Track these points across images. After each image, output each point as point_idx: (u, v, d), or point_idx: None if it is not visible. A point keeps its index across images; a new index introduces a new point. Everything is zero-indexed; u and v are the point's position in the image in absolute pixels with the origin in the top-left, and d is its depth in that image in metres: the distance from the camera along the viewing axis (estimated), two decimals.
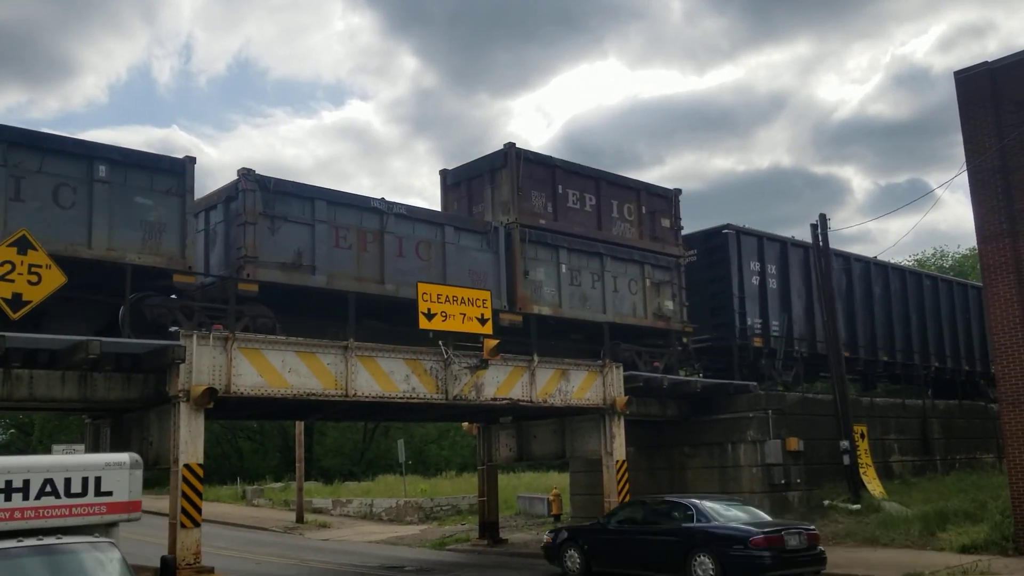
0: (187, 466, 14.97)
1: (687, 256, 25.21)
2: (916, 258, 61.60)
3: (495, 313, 19.36)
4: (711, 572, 15.62)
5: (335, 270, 18.04)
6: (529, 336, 20.39)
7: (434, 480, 44.92)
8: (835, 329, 25.67)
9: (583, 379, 21.31)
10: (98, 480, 8.72)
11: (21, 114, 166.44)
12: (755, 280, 26.43)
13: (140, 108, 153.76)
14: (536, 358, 20.35)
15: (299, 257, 17.50)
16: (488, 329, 18.93)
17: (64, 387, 15.23)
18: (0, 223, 14.35)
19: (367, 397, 17.70)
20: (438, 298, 18.25)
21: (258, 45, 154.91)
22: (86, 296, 15.51)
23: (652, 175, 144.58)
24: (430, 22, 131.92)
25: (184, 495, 14.86)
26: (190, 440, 15.10)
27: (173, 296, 16.56)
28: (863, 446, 25.59)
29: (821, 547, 16.27)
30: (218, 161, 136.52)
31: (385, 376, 17.90)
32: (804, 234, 27.41)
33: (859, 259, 30.97)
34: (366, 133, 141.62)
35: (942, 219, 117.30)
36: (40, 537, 8.16)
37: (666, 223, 24.67)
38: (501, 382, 19.77)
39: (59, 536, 8.27)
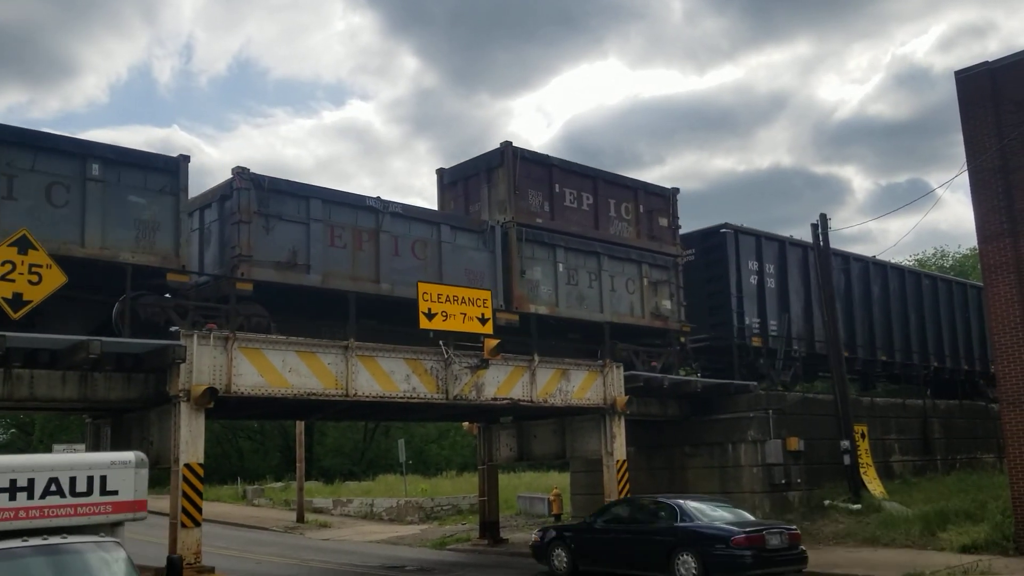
0: (187, 466, 14.98)
1: (685, 255, 25.14)
2: (917, 258, 61.60)
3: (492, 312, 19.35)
4: (694, 571, 15.88)
5: (330, 269, 17.97)
6: (525, 335, 20.35)
7: (435, 480, 44.94)
8: (836, 329, 25.66)
9: (583, 379, 21.30)
10: (103, 479, 8.63)
11: (22, 114, 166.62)
12: (753, 279, 26.39)
13: (141, 108, 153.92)
14: (536, 358, 20.34)
15: (294, 256, 17.43)
16: (489, 329, 18.93)
17: (65, 387, 15.23)
18: None
19: (367, 397, 17.69)
20: (439, 298, 18.24)
21: (259, 45, 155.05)
22: (79, 295, 15.41)
23: (652, 175, 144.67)
24: (431, 22, 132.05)
25: (184, 495, 14.86)
26: (191, 440, 15.11)
27: (167, 295, 16.48)
28: (864, 446, 25.59)
29: (803, 547, 16.52)
30: (219, 161, 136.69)
31: (385, 376, 17.90)
32: (805, 234, 27.41)
33: (858, 259, 30.94)
34: (367, 133, 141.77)
35: (943, 219, 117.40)
36: (45, 537, 8.09)
37: (664, 222, 24.59)
38: (502, 382, 19.77)
39: (64, 536, 8.19)
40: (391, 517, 35.18)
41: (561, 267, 21.79)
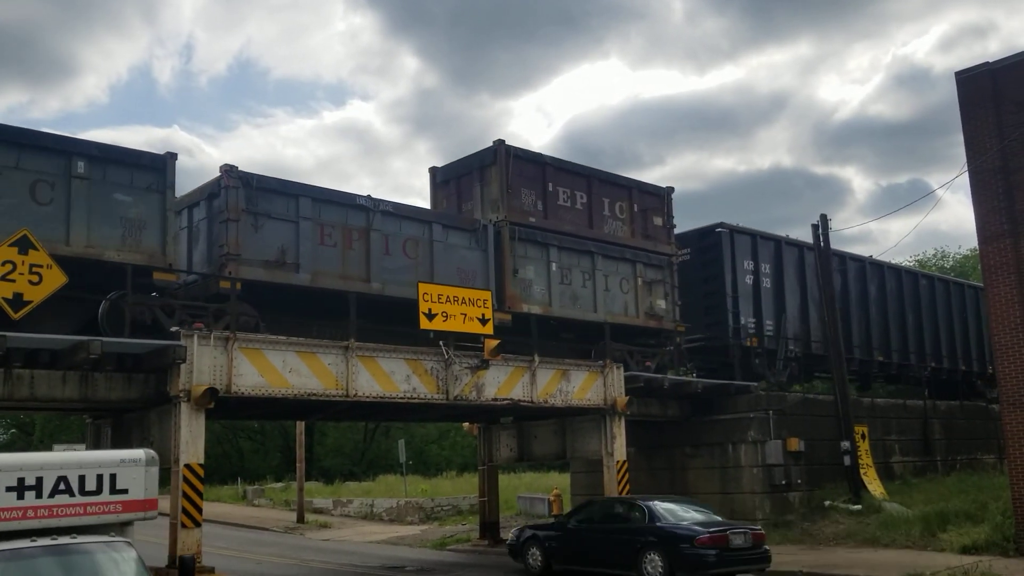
0: (188, 466, 14.98)
1: (680, 255, 25.01)
2: (917, 258, 61.56)
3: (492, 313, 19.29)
4: (660, 569, 16.36)
5: (320, 268, 17.81)
6: (518, 335, 20.23)
7: (435, 480, 44.93)
8: (836, 330, 25.65)
9: (584, 379, 21.30)
10: (113, 477, 8.48)
11: (22, 114, 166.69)
12: (749, 279, 26.32)
13: (141, 108, 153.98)
14: (537, 358, 20.33)
15: (283, 255, 17.26)
16: (489, 329, 18.91)
17: (65, 387, 15.20)
18: None
19: (368, 397, 17.68)
20: (439, 298, 18.22)
21: (259, 45, 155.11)
22: (64, 294, 15.13)
23: (653, 175, 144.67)
24: (431, 22, 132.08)
25: (185, 495, 14.86)
26: (191, 440, 15.10)
27: (154, 294, 16.30)
28: (864, 447, 25.59)
29: (767, 546, 16.94)
30: (219, 161, 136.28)
31: (386, 376, 17.89)
32: (805, 235, 27.39)
33: (855, 258, 30.91)
34: (367, 133, 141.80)
35: (943, 219, 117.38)
36: (54, 537, 7.96)
37: (658, 221, 24.43)
38: (502, 382, 19.77)
39: (74, 536, 8.06)
40: (391, 517, 35.19)
41: (554, 266, 21.61)
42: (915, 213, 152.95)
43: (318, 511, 37.98)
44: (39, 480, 8.05)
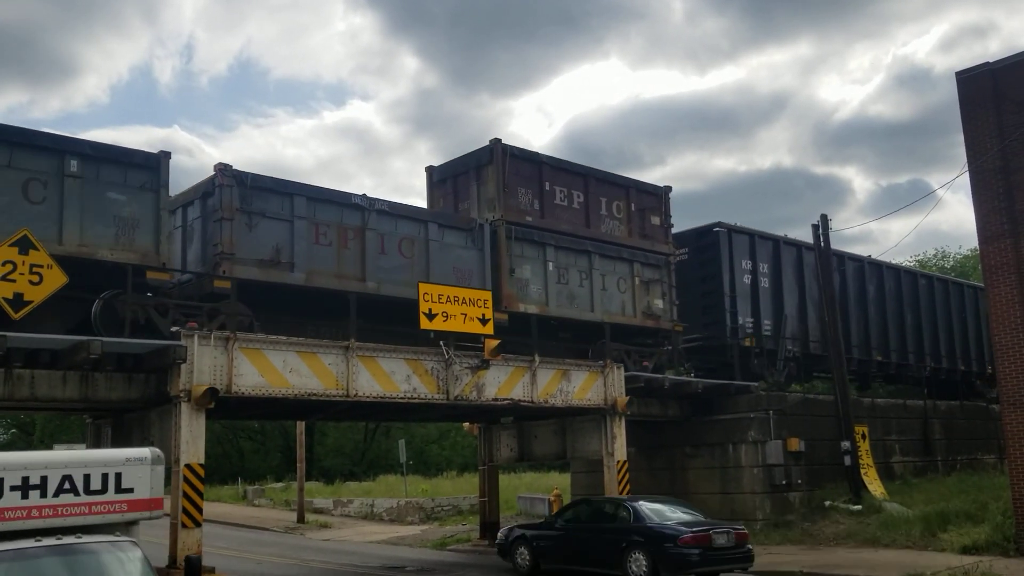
0: (188, 466, 14.97)
1: (677, 254, 24.94)
2: (917, 259, 61.53)
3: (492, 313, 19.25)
4: (644, 568, 16.62)
5: (314, 267, 17.72)
6: (515, 335, 20.15)
7: (435, 480, 44.94)
8: (837, 330, 25.64)
9: (584, 379, 21.29)
10: (118, 476, 8.33)
11: (23, 114, 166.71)
12: (747, 279, 26.30)
13: (141, 108, 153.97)
14: (537, 358, 20.32)
15: (277, 254, 17.17)
16: (489, 329, 18.90)
17: (65, 387, 15.20)
18: None
19: (368, 397, 17.67)
20: (439, 298, 18.21)
21: (259, 45, 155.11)
22: (57, 293, 14.95)
23: (654, 175, 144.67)
24: (431, 22, 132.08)
25: (185, 495, 14.85)
26: (191, 440, 15.10)
27: (148, 293, 16.20)
28: (864, 447, 25.58)
29: (750, 545, 17.24)
30: (220, 161, 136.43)
31: (386, 376, 17.89)
32: (806, 235, 27.37)
33: (853, 258, 30.88)
34: (367, 133, 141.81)
35: (944, 220, 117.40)
36: (59, 536, 7.85)
37: (656, 221, 24.35)
38: (502, 382, 19.76)
39: (78, 535, 7.95)
40: (391, 518, 35.19)
41: (551, 266, 21.53)
42: (916, 213, 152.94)
43: (318, 511, 37.98)
44: (43, 479, 7.93)
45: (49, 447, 41.57)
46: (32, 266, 14.04)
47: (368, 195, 18.86)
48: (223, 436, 54.84)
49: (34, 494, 7.86)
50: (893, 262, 34.84)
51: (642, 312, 23.35)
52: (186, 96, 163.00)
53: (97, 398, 15.64)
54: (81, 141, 15.68)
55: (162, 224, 15.97)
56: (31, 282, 14.03)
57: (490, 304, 19.04)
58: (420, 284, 18.16)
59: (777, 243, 27.70)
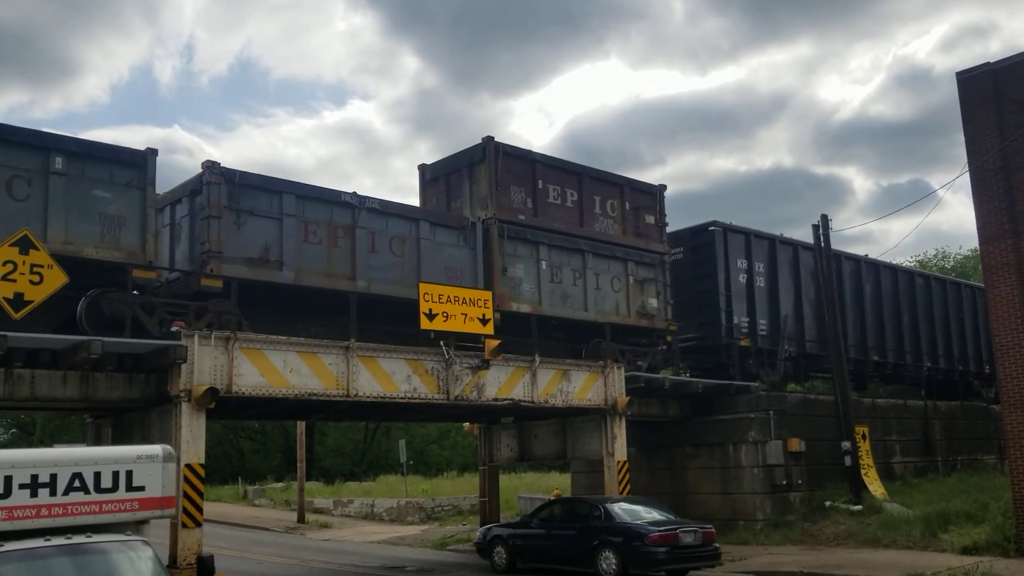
0: (188, 466, 14.97)
1: (672, 253, 24.80)
2: (918, 259, 61.48)
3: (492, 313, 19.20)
4: (614, 566, 17.14)
5: (304, 266, 17.57)
6: (508, 334, 20.02)
7: (435, 480, 44.93)
8: (837, 330, 25.63)
9: (584, 379, 21.29)
10: (129, 474, 8.14)
11: (23, 114, 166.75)
12: (742, 278, 26.22)
13: (142, 108, 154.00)
14: (538, 358, 20.31)
15: (266, 252, 17.01)
16: (489, 329, 18.89)
17: (66, 387, 15.19)
18: None
19: (368, 397, 17.67)
20: (439, 298, 18.19)
21: (260, 45, 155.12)
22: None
23: (654, 175, 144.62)
24: (432, 22, 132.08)
25: (185, 495, 14.85)
26: (191, 440, 15.10)
27: (135, 292, 16.05)
28: (864, 447, 25.58)
29: (716, 544, 17.68)
30: (220, 161, 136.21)
31: (386, 376, 17.89)
32: (806, 235, 27.33)
33: (850, 257, 30.81)
34: (367, 133, 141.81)
35: (944, 220, 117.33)
36: (68, 536, 7.69)
37: (650, 219, 24.18)
38: (502, 382, 19.76)
39: (88, 535, 7.79)
40: (392, 518, 35.19)
41: (544, 265, 21.38)
42: (916, 213, 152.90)
43: (319, 511, 37.98)
44: (53, 477, 7.76)
45: (49, 447, 41.55)
46: (33, 266, 14.03)
47: (358, 193, 18.71)
48: (223, 436, 54.81)
49: (43, 492, 7.70)
50: (891, 262, 34.78)
51: (636, 311, 23.22)
52: (186, 96, 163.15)
53: (97, 398, 15.64)
54: (67, 138, 15.53)
55: (148, 222, 15.81)
56: (31, 282, 14.02)
57: (491, 304, 19.03)
58: (420, 284, 18.14)
59: (773, 242, 27.63)
